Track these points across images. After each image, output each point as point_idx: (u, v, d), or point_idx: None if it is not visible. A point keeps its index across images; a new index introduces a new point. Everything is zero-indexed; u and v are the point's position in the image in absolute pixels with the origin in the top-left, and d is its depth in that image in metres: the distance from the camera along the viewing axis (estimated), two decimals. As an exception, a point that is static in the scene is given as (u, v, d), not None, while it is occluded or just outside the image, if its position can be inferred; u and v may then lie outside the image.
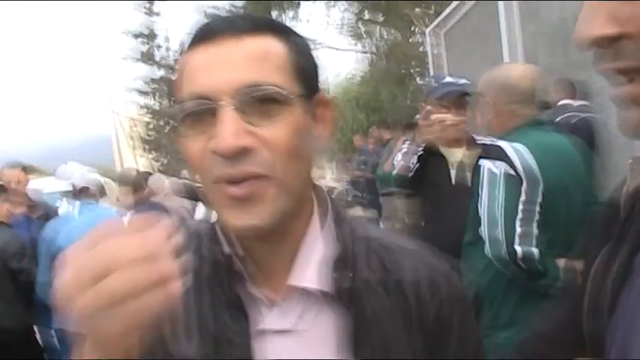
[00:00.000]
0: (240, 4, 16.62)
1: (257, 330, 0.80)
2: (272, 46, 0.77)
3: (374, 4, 15.39)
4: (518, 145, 2.22)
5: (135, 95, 25.83)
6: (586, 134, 4.87)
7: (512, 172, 2.18)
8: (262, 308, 0.82)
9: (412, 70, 15.47)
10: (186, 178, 7.52)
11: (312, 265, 0.82)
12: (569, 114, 4.85)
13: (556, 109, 4.97)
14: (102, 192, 5.92)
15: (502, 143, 2.26)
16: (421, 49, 14.18)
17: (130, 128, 26.88)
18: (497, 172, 2.20)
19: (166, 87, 23.32)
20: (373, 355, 0.80)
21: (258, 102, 0.74)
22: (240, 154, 0.72)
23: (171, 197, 5.71)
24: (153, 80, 24.78)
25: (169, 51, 24.07)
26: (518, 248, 2.14)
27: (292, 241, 0.83)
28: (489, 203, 2.21)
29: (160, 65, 24.25)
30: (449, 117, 2.78)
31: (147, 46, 24.74)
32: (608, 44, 0.59)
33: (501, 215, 2.16)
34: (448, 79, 2.92)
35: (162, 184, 5.71)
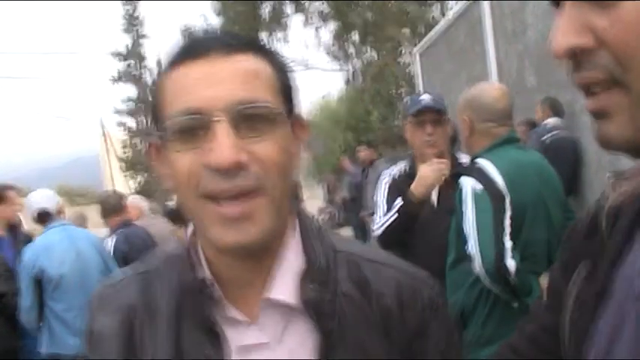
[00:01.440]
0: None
1: (237, 347, 0.80)
2: (259, 64, 0.79)
3: (362, 25, 15.50)
4: (497, 163, 2.23)
5: (125, 117, 25.93)
6: (571, 153, 4.88)
7: (493, 189, 2.19)
8: (240, 327, 0.81)
9: (401, 91, 15.53)
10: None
11: (288, 278, 0.82)
12: (556, 132, 4.85)
13: (542, 127, 4.97)
14: (82, 218, 5.84)
15: (481, 161, 2.27)
16: (409, 70, 14.26)
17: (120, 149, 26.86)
18: (480, 190, 2.20)
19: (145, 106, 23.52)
20: None
21: (250, 118, 0.74)
22: (236, 168, 0.73)
23: (156, 219, 5.60)
24: (129, 99, 25.03)
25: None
26: (510, 262, 2.12)
27: (271, 257, 0.83)
28: (476, 220, 2.19)
29: (146, 86, 24.47)
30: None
31: (136, 69, 24.88)
32: (569, 57, 0.59)
33: (490, 231, 2.16)
34: (423, 96, 2.88)
35: (141, 205, 5.60)
